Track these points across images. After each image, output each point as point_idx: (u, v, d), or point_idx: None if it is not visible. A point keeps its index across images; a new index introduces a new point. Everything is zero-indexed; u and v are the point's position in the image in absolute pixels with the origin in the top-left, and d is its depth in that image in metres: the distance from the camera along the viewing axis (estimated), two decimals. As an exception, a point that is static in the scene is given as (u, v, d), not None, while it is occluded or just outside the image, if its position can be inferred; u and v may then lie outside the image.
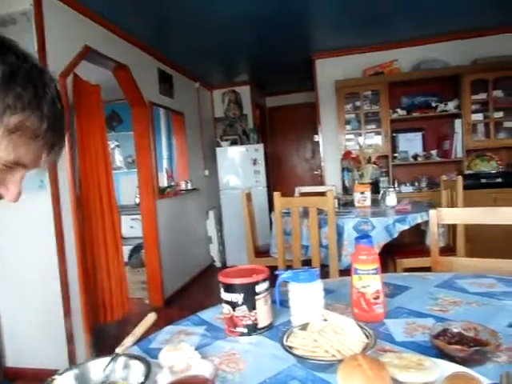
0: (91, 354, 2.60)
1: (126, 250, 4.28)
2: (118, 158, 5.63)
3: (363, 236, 0.92)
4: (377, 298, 0.90)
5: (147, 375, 0.64)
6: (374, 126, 4.28)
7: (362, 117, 4.26)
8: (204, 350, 0.83)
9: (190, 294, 3.96)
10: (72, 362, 2.44)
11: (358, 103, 4.27)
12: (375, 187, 3.48)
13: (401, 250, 2.74)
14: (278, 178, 6.18)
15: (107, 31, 3.06)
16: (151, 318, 0.82)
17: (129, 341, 0.76)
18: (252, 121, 5.45)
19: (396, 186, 4.05)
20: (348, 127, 4.30)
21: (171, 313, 3.24)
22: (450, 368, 0.62)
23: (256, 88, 5.68)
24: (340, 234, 2.44)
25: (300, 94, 6.13)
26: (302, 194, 3.82)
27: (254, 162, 4.98)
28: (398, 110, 4.18)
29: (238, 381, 0.70)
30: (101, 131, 3.19)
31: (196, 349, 0.80)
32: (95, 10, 2.81)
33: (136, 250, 4.78)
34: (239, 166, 5.02)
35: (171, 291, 3.83)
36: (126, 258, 4.22)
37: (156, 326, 0.96)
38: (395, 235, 2.39)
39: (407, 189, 4.13)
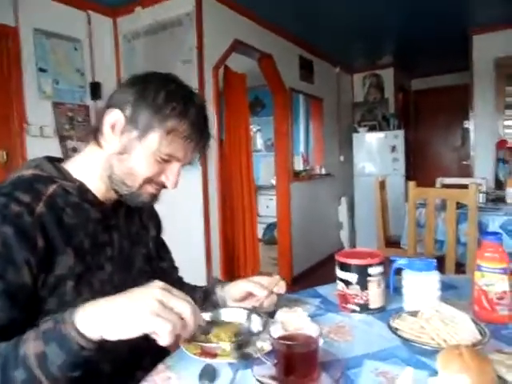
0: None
1: (260, 227, 4.63)
2: (258, 141, 6.04)
3: (491, 233, 0.87)
4: (501, 298, 0.85)
5: (265, 326, 0.77)
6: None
7: (529, 100, 3.66)
8: (316, 318, 0.92)
9: (316, 275, 4.08)
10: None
11: (523, 84, 3.68)
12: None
13: None
14: (420, 167, 5.75)
15: (254, 24, 3.29)
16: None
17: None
18: (393, 105, 5.18)
19: None
20: (508, 112, 3.76)
21: (297, 290, 3.41)
22: None
23: (400, 70, 5.34)
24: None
25: (450, 75, 5.51)
26: (445, 186, 3.52)
27: (393, 148, 4.76)
28: None
29: (343, 347, 0.78)
30: (245, 116, 3.51)
31: (309, 316, 0.90)
32: (245, 5, 3.05)
33: (270, 228, 5.13)
34: (376, 152, 4.86)
35: (300, 270, 4.02)
36: (260, 235, 4.57)
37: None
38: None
39: None
